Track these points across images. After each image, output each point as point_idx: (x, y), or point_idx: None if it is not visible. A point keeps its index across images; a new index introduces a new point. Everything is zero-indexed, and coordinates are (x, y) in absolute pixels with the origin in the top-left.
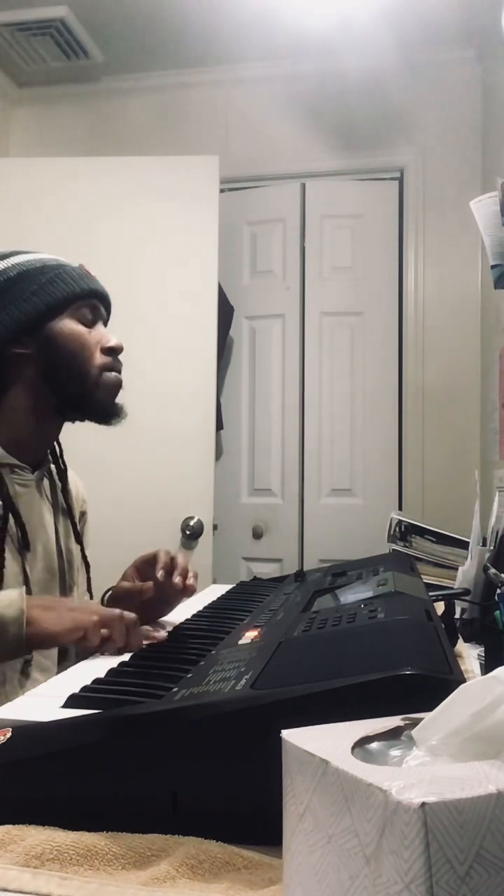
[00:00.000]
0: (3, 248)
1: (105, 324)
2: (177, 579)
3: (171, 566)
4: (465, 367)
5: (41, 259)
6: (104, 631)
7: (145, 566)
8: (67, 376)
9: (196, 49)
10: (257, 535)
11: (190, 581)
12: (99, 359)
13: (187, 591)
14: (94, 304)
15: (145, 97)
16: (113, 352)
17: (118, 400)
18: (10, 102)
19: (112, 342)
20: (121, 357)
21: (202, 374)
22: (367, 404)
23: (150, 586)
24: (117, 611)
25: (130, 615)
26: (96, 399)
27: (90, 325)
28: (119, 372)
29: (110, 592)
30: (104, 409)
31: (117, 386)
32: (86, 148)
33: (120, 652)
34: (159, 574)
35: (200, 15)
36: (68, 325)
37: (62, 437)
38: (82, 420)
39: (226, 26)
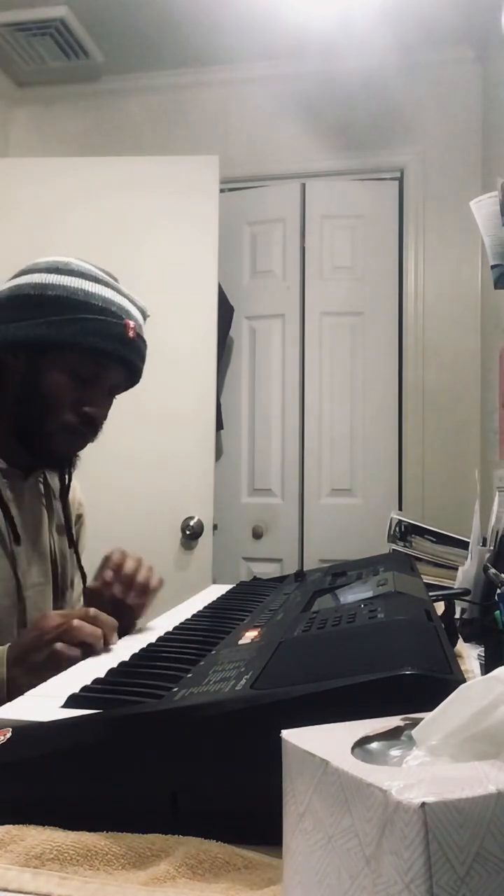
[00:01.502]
0: (75, 262)
1: (117, 389)
2: (115, 589)
3: (118, 569)
4: (465, 367)
5: (90, 293)
6: (75, 652)
7: (102, 567)
8: (29, 411)
9: (196, 49)
10: (257, 535)
11: (132, 599)
12: (67, 417)
13: (147, 593)
14: (105, 364)
15: (145, 97)
16: (86, 418)
17: (80, 453)
18: (10, 102)
19: (88, 409)
20: None
21: (202, 375)
22: (367, 404)
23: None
24: (71, 617)
25: (87, 612)
26: (43, 447)
27: (86, 381)
28: (83, 438)
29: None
30: (48, 458)
31: (70, 448)
32: (86, 148)
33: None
34: (107, 575)
35: (200, 15)
36: (59, 370)
37: None
38: (31, 454)
39: (226, 26)
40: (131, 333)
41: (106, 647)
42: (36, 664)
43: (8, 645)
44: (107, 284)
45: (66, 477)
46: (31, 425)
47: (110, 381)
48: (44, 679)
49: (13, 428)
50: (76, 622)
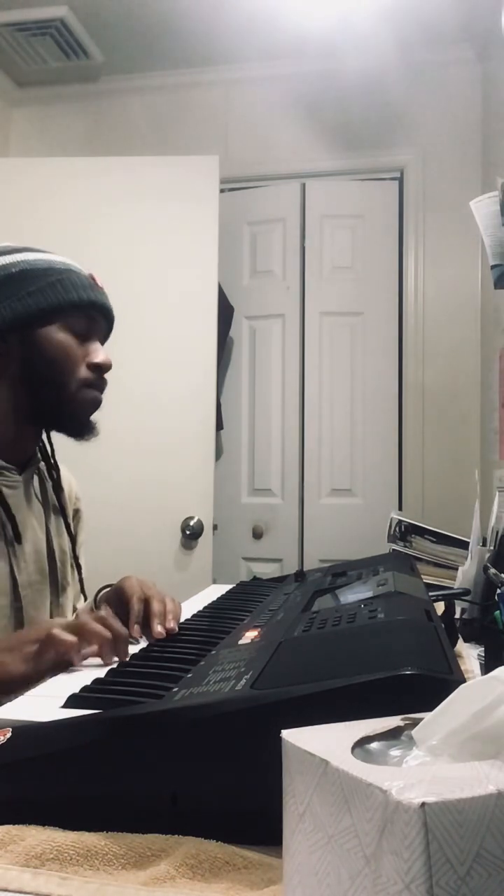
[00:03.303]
0: (18, 243)
1: (104, 339)
2: (158, 628)
3: (145, 615)
4: (465, 367)
5: (49, 260)
6: (72, 638)
7: (118, 603)
8: (44, 384)
9: (196, 49)
10: (257, 535)
11: (170, 625)
12: (82, 373)
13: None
14: (93, 316)
15: (145, 97)
16: (98, 369)
17: (94, 418)
18: (10, 102)
19: (99, 359)
20: (122, 356)
21: (202, 374)
22: (367, 404)
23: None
24: (76, 622)
25: (98, 615)
26: (69, 413)
27: (82, 336)
28: (100, 391)
29: (102, 594)
30: (76, 424)
31: (94, 404)
32: (86, 148)
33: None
34: (135, 631)
35: (200, 15)
36: (57, 332)
37: (59, 436)
38: (55, 430)
39: (226, 26)
40: (98, 281)
41: (120, 655)
42: (30, 653)
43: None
44: (51, 253)
45: (53, 461)
46: (49, 397)
47: (100, 330)
48: (40, 670)
49: (18, 414)
50: (83, 618)
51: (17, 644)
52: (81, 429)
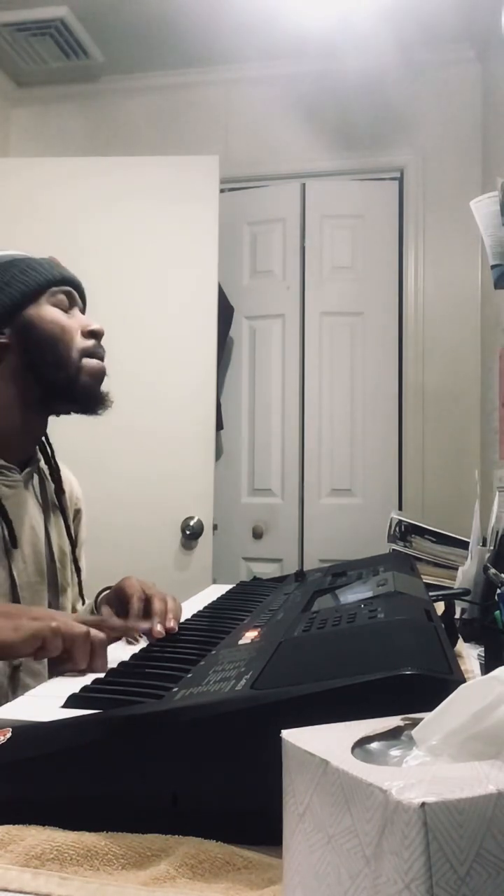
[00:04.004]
0: None
1: (83, 312)
2: (158, 627)
3: (146, 615)
4: (465, 367)
5: (10, 253)
6: (62, 643)
7: (119, 603)
8: (49, 361)
9: (196, 49)
10: (257, 535)
11: (171, 624)
12: (80, 343)
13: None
14: (69, 291)
15: (145, 97)
16: (94, 335)
17: (103, 388)
18: (10, 102)
19: (93, 325)
20: (122, 356)
21: (202, 374)
22: (367, 404)
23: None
24: (83, 628)
25: (98, 635)
26: (79, 385)
27: (67, 310)
28: (101, 359)
29: (103, 595)
30: (88, 395)
31: (100, 371)
32: (86, 148)
33: (83, 673)
34: (136, 630)
35: (200, 15)
36: (46, 310)
37: (58, 436)
38: (67, 412)
39: (226, 26)
40: (57, 260)
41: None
42: (21, 626)
43: None
44: (7, 249)
45: (53, 461)
46: (57, 373)
47: (78, 304)
48: (24, 646)
49: (25, 407)
50: (88, 635)
51: (16, 613)
52: (93, 401)
